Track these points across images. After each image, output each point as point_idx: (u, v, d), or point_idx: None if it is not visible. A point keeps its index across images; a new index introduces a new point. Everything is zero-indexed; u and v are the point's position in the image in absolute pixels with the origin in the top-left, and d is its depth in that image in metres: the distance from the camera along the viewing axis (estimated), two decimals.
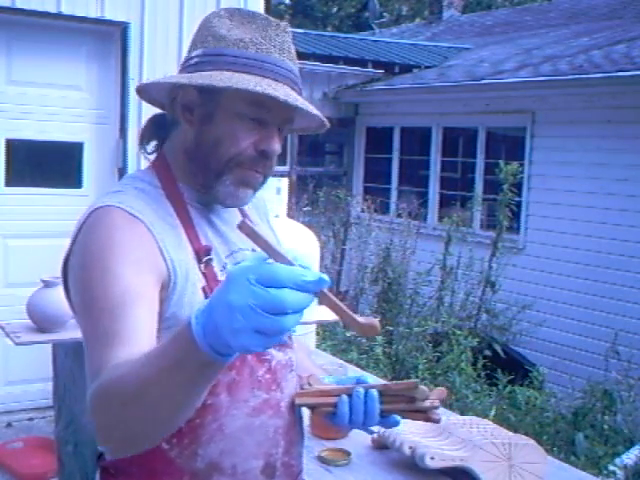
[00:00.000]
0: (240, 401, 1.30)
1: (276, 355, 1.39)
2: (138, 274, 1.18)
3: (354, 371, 2.66)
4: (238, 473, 1.31)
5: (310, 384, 1.48)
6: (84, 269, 1.21)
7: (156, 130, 1.41)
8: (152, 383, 0.99)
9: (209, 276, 1.29)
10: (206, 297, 1.25)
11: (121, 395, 1.02)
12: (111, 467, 1.30)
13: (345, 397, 1.34)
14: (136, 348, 1.09)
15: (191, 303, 1.24)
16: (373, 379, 1.50)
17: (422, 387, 1.37)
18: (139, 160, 5.10)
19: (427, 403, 1.36)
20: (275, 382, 1.37)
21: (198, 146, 1.32)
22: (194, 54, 1.33)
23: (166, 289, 1.23)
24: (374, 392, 1.36)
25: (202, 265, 1.30)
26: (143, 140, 1.42)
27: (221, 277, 1.31)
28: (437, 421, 1.40)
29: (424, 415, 1.38)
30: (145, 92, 1.41)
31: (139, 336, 1.13)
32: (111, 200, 1.26)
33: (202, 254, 1.30)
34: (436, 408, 1.38)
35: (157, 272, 1.22)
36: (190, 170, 1.35)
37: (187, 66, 1.34)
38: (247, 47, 1.30)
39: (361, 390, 1.35)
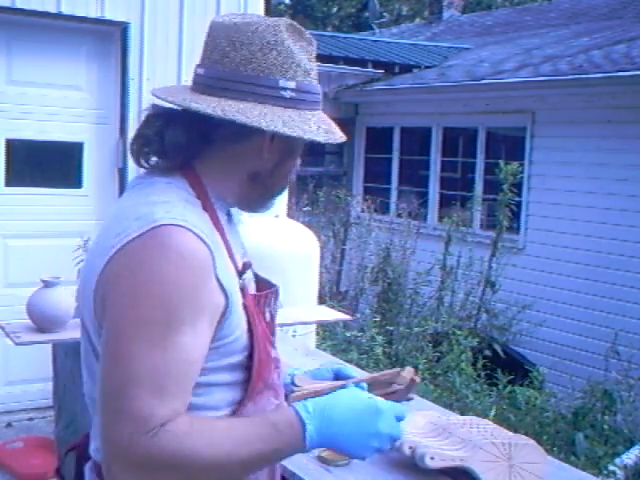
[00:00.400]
0: (261, 409, 1.33)
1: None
2: (202, 330, 1.19)
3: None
4: (250, 477, 1.34)
5: (296, 384, 1.53)
6: (150, 297, 1.15)
7: (191, 144, 1.32)
8: (240, 462, 1.15)
9: (245, 291, 1.31)
10: (246, 313, 1.29)
11: (197, 468, 1.12)
12: None
13: None
14: (182, 408, 1.15)
15: (237, 322, 1.27)
16: (351, 368, 1.60)
17: (402, 374, 1.60)
18: None
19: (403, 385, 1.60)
20: (280, 387, 1.43)
21: (272, 174, 1.38)
22: (289, 85, 1.30)
23: (220, 319, 1.24)
24: (364, 385, 1.46)
25: (240, 282, 1.31)
26: (176, 151, 1.32)
27: (250, 290, 1.34)
28: (410, 399, 1.69)
29: (400, 395, 1.60)
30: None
31: (187, 400, 1.18)
32: (170, 215, 1.21)
33: (243, 271, 1.33)
34: (412, 387, 1.64)
35: (217, 313, 1.23)
36: (243, 188, 1.36)
37: (282, 97, 1.30)
38: (314, 79, 1.36)
39: (352, 385, 1.44)
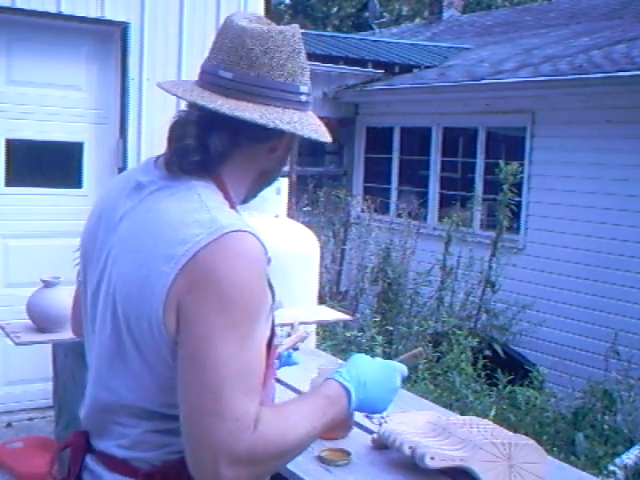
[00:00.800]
0: (269, 392, 1.45)
1: None
2: (265, 328, 1.30)
3: None
4: None
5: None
6: (233, 303, 1.22)
7: (219, 155, 1.36)
8: (313, 436, 1.34)
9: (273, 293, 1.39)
10: None
11: (284, 451, 1.28)
12: (158, 474, 1.33)
13: None
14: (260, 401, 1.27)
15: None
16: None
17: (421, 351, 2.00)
18: (139, 160, 5.10)
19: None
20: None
21: (274, 170, 1.48)
22: (305, 90, 1.40)
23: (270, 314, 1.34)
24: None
25: None
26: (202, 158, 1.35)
27: None
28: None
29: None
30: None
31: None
32: (232, 221, 1.28)
33: None
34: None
35: (269, 310, 1.32)
36: (251, 185, 1.45)
37: (299, 102, 1.39)
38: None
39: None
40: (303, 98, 1.39)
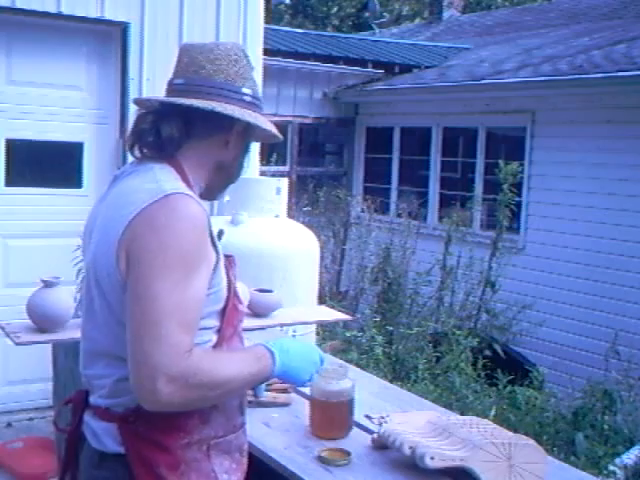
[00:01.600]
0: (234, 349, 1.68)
1: None
2: (204, 277, 1.53)
3: (354, 371, 2.66)
4: (227, 409, 1.67)
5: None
6: (171, 249, 1.47)
7: (172, 139, 1.63)
8: (240, 381, 1.57)
9: (221, 253, 1.63)
10: (226, 271, 1.63)
11: (213, 384, 1.50)
12: (131, 416, 1.57)
13: None
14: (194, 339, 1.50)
15: (221, 274, 1.60)
16: None
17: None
18: None
19: None
20: (242, 335, 1.76)
21: (233, 164, 1.73)
22: (248, 91, 1.68)
23: (213, 270, 1.56)
24: None
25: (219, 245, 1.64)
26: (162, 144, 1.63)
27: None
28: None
29: None
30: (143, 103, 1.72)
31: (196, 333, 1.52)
32: (175, 187, 1.54)
33: (219, 237, 1.64)
34: None
35: (211, 264, 1.56)
36: (210, 176, 1.70)
37: (242, 100, 1.67)
38: (258, 89, 1.73)
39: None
40: (247, 98, 1.67)
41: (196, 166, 1.66)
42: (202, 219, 1.53)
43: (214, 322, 1.61)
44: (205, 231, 1.53)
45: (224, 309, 1.62)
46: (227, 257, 1.68)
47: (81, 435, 1.68)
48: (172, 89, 1.69)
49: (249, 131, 1.70)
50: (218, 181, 1.73)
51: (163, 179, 1.56)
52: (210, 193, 1.74)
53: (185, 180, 1.61)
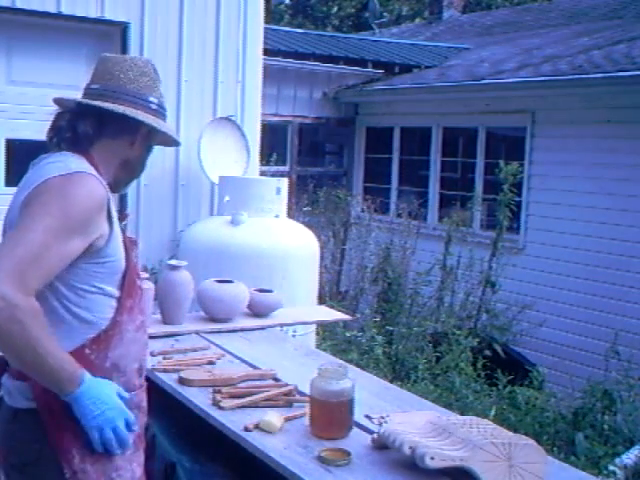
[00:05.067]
0: (132, 321, 1.88)
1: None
2: (78, 243, 1.72)
3: (354, 371, 2.66)
4: (127, 372, 1.88)
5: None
6: (65, 203, 1.69)
7: (87, 136, 1.88)
8: (42, 363, 1.64)
9: (124, 232, 1.92)
10: (125, 247, 1.86)
11: (29, 339, 1.60)
12: None
13: None
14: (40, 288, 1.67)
15: (118, 247, 1.83)
16: None
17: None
18: None
19: None
20: (145, 310, 2.01)
21: (137, 163, 1.98)
22: (154, 100, 1.95)
23: (105, 238, 1.78)
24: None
25: (121, 225, 1.89)
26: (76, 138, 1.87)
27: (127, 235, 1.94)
28: None
29: None
30: (61, 103, 1.95)
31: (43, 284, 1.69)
32: (81, 167, 1.79)
33: (123, 219, 1.86)
34: None
35: (100, 237, 1.77)
36: (117, 171, 1.93)
37: (149, 107, 1.93)
38: (164, 100, 2.01)
39: None
40: (152, 106, 1.94)
41: (105, 162, 1.89)
42: (100, 195, 1.76)
43: (113, 290, 1.84)
44: (101, 208, 1.76)
45: (122, 280, 1.85)
46: (131, 240, 1.94)
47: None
48: (88, 93, 1.93)
49: (152, 134, 1.96)
50: (123, 176, 1.96)
51: (74, 161, 1.80)
52: (116, 186, 1.97)
53: (97, 171, 1.83)
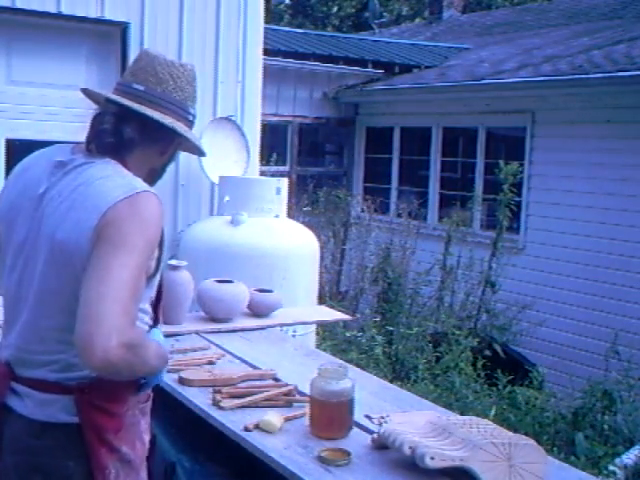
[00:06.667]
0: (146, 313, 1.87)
1: None
2: (146, 268, 1.70)
3: (354, 371, 2.66)
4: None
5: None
6: (146, 235, 1.67)
7: (131, 142, 1.81)
8: (154, 367, 1.75)
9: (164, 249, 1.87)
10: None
11: (146, 359, 1.67)
12: (86, 388, 1.72)
13: None
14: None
15: (160, 266, 1.80)
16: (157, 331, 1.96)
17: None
18: None
19: None
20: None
21: (161, 170, 1.93)
22: (193, 112, 1.91)
23: (157, 258, 1.76)
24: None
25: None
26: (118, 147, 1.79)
27: None
28: None
29: None
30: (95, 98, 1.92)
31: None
32: (143, 186, 1.74)
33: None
34: None
35: (156, 252, 1.75)
36: (143, 178, 1.80)
37: (188, 119, 1.89)
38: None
39: None
40: (190, 117, 1.90)
41: (137, 169, 1.81)
42: (161, 215, 1.74)
43: (149, 308, 1.85)
44: (160, 228, 1.73)
45: (157, 299, 1.87)
46: None
47: (4, 406, 1.78)
48: (130, 92, 1.83)
49: (181, 144, 1.93)
50: (150, 181, 1.89)
51: (127, 174, 1.75)
52: None
53: None
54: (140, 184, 1.73)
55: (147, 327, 1.84)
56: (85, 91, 1.94)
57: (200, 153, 2.05)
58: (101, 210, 1.64)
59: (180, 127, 1.84)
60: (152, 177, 1.89)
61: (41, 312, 1.72)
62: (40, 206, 1.74)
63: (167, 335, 3.03)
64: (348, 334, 6.05)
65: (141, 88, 1.83)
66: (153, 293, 1.83)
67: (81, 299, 1.57)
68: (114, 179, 1.71)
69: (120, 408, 1.77)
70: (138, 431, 1.84)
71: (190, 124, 1.90)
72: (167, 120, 1.81)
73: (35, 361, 1.74)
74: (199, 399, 2.37)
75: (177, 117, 1.85)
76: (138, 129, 1.80)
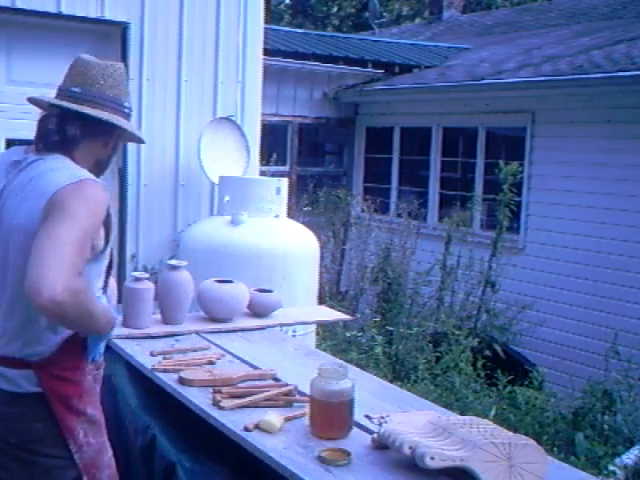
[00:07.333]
0: (110, 294, 2.22)
1: None
2: (90, 245, 1.93)
3: (354, 371, 2.66)
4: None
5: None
6: (87, 209, 1.89)
7: (75, 138, 2.05)
8: (99, 324, 1.95)
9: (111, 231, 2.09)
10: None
11: (91, 310, 1.87)
12: (45, 362, 1.97)
13: None
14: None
15: (109, 243, 2.05)
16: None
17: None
18: (139, 160, 5.11)
19: None
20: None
21: (106, 162, 2.17)
22: (127, 105, 2.17)
23: (103, 239, 2.01)
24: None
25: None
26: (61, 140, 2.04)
27: None
28: None
29: None
30: (38, 103, 2.16)
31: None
32: (87, 175, 1.98)
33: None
34: None
35: (100, 235, 1.99)
36: (91, 169, 2.04)
37: (123, 112, 2.14)
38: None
39: None
40: (126, 110, 2.15)
41: (84, 161, 2.05)
42: (105, 200, 1.97)
43: (101, 282, 2.08)
44: (105, 210, 1.96)
45: (106, 274, 2.10)
46: None
47: None
48: (70, 95, 2.10)
49: (122, 135, 2.18)
50: (94, 174, 2.07)
51: (74, 167, 2.00)
52: None
53: None
54: (85, 174, 1.97)
55: (102, 288, 2.09)
56: (31, 99, 2.19)
57: (140, 141, 2.31)
58: (50, 193, 1.89)
59: (117, 120, 2.09)
60: (98, 168, 2.13)
61: (9, 295, 1.97)
62: (0, 201, 2.00)
63: (167, 335, 3.04)
64: (348, 334, 6.05)
65: (78, 90, 2.09)
66: (103, 268, 2.07)
67: (30, 256, 1.78)
68: (62, 171, 1.95)
69: (78, 375, 2.03)
70: (97, 395, 2.12)
71: (127, 116, 2.15)
72: (104, 115, 2.06)
73: (4, 340, 2.00)
74: (199, 399, 2.37)
75: (114, 111, 2.09)
76: (80, 126, 2.05)
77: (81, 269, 1.83)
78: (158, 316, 3.18)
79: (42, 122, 2.09)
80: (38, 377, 1.97)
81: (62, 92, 2.13)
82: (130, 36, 4.88)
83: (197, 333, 3.11)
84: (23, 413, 1.98)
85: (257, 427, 2.14)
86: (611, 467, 4.15)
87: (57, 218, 1.84)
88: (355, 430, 2.17)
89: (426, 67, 10.34)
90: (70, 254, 1.80)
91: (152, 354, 2.77)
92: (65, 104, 2.07)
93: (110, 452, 2.15)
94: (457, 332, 5.82)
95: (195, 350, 2.87)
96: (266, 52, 6.08)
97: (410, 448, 1.89)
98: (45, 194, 1.90)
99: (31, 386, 1.98)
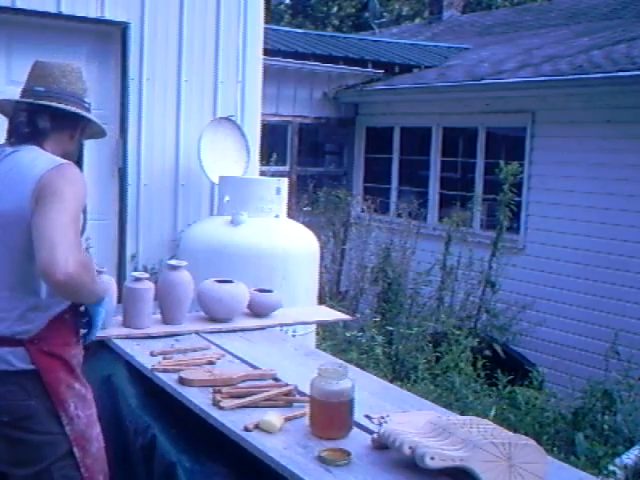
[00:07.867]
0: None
1: None
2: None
3: (354, 371, 2.66)
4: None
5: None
6: (73, 190, 2.09)
7: (45, 130, 2.23)
8: (97, 293, 2.21)
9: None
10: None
11: (95, 281, 2.14)
12: (35, 339, 2.08)
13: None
14: None
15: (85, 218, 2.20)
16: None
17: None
18: (139, 160, 5.10)
19: None
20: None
21: (73, 154, 2.32)
22: (88, 101, 2.35)
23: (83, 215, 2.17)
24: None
25: None
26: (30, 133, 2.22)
27: None
28: None
29: None
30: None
31: None
32: (60, 159, 2.17)
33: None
34: None
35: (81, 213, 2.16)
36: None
37: (84, 107, 2.33)
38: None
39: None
40: (87, 105, 2.34)
41: (53, 152, 2.20)
42: (84, 182, 2.17)
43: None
44: (84, 188, 2.15)
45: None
46: None
47: None
48: (34, 94, 2.26)
49: (85, 129, 2.35)
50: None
51: (49, 155, 2.17)
52: None
53: None
54: (62, 159, 2.16)
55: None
56: None
57: (102, 133, 2.47)
58: (36, 178, 2.05)
59: (83, 112, 2.28)
60: (67, 159, 2.23)
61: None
62: None
63: (167, 335, 3.04)
64: (348, 334, 6.05)
65: (42, 89, 2.26)
66: (83, 239, 2.21)
67: (35, 240, 1.96)
68: (40, 158, 2.14)
69: (67, 351, 2.15)
70: (82, 374, 2.23)
71: (88, 111, 2.33)
72: (70, 107, 2.24)
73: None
74: (199, 399, 2.37)
75: (76, 105, 2.28)
76: (49, 119, 2.22)
77: (81, 245, 2.02)
78: (158, 316, 3.18)
79: (12, 118, 2.27)
80: (29, 354, 2.06)
81: (27, 92, 2.30)
82: (130, 36, 4.88)
83: (197, 333, 3.11)
84: (15, 391, 2.06)
85: (257, 427, 2.14)
86: (611, 467, 4.15)
87: (50, 202, 2.01)
88: (355, 430, 2.17)
89: (426, 67, 10.34)
90: (71, 232, 1.98)
91: (152, 354, 2.77)
92: (33, 100, 2.24)
93: (98, 427, 2.25)
94: (457, 332, 5.82)
95: (195, 350, 2.87)
96: (266, 52, 6.08)
97: (410, 448, 1.89)
98: (33, 178, 2.06)
99: (22, 363, 2.07)
